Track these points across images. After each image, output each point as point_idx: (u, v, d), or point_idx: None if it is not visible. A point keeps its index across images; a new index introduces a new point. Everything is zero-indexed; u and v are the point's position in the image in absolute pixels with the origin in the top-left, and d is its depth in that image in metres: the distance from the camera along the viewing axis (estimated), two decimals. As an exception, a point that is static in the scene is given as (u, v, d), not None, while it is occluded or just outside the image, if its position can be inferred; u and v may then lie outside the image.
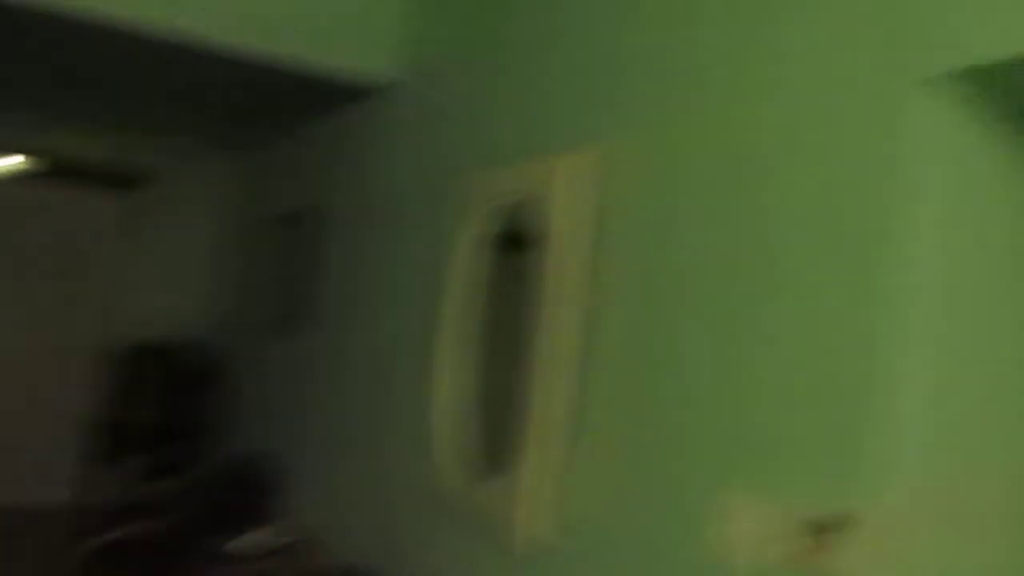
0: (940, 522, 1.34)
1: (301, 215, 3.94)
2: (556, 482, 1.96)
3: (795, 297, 1.46)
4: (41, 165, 4.95)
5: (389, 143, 3.24)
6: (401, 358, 2.84)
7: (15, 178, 4.98)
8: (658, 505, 1.67)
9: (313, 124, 4.04)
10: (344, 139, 3.70)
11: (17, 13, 2.80)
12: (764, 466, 1.47)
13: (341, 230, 3.55)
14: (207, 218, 5.41)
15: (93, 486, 5.02)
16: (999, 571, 1.43)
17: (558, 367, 1.97)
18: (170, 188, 5.32)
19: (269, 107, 3.86)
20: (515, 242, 2.24)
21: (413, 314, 2.80)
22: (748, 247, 1.57)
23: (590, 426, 1.90)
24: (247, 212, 5.06)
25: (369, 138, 3.44)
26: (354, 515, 3.02)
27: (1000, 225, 1.39)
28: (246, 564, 3.01)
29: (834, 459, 1.35)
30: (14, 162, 4.91)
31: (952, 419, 1.34)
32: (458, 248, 2.51)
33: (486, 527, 2.20)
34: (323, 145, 3.90)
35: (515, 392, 2.10)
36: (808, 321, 1.42)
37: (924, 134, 1.30)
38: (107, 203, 5.29)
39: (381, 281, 3.08)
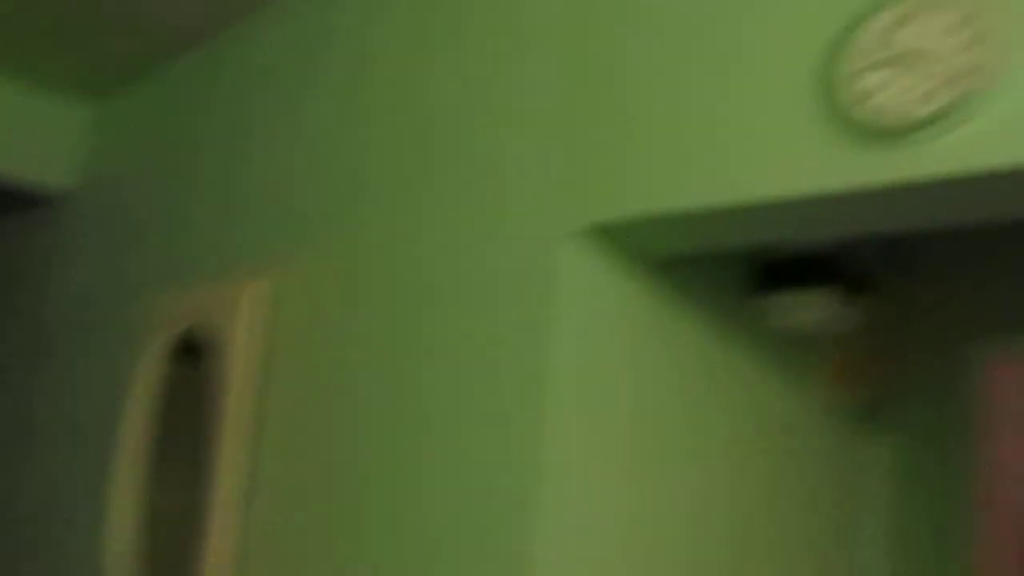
0: None
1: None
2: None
3: (446, 435, 1.55)
4: None
5: (67, 258, 3.05)
6: (80, 491, 2.62)
7: None
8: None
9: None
10: (16, 254, 3.41)
11: None
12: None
13: (13, 355, 3.25)
14: None
15: None
16: None
17: (226, 494, 1.91)
18: None
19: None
20: (194, 363, 2.17)
21: (92, 444, 2.61)
22: (406, 381, 1.62)
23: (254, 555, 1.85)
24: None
25: (43, 253, 3.20)
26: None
27: (641, 377, 1.57)
28: None
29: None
30: None
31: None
32: (138, 370, 2.39)
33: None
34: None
35: (190, 518, 2.01)
36: (456, 462, 1.53)
37: (571, 283, 1.45)
38: None
39: (58, 410, 2.85)
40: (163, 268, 2.54)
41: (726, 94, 1.35)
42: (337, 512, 1.74)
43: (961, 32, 1.12)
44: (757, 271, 1.94)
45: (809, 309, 1.91)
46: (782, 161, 1.26)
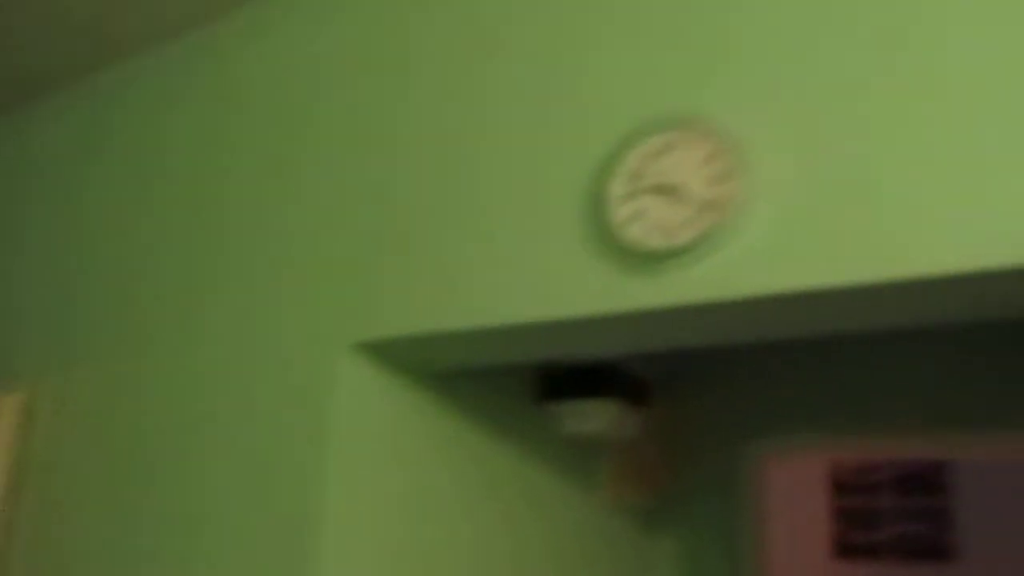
0: None
1: None
2: None
3: (223, 541, 1.51)
4: None
5: None
6: None
7: None
8: None
9: None
10: None
11: None
12: None
13: None
14: None
15: None
16: None
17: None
18: None
19: None
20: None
21: None
22: (183, 487, 1.59)
23: None
24: None
25: None
26: None
27: (420, 467, 1.58)
28: None
29: None
30: None
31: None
32: None
33: None
34: None
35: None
36: (234, 564, 1.47)
37: (346, 395, 1.46)
38: None
39: None
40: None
41: (497, 217, 1.37)
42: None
43: (710, 166, 1.18)
44: (540, 381, 1.97)
45: (591, 418, 1.94)
46: (550, 284, 1.28)
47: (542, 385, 1.98)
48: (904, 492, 4.62)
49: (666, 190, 1.21)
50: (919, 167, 1.05)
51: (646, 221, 1.21)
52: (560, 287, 1.28)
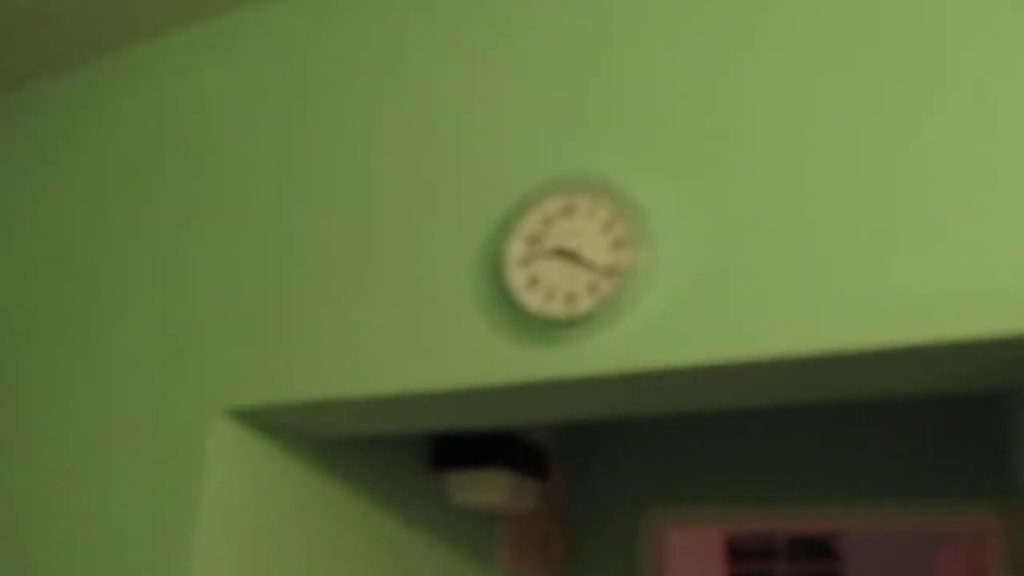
0: None
1: None
2: None
3: None
4: None
5: None
6: None
7: None
8: None
9: None
10: None
11: None
12: None
13: None
14: None
15: None
16: None
17: None
18: None
19: None
20: None
21: None
22: (55, 548, 1.43)
23: None
24: None
25: None
26: None
27: (298, 538, 1.50)
28: None
29: None
30: None
31: None
32: None
33: None
34: None
35: None
36: None
37: (221, 460, 1.37)
38: None
39: None
40: None
41: (385, 280, 1.29)
42: None
43: (611, 232, 1.13)
44: (432, 449, 1.89)
45: (484, 488, 1.86)
46: (442, 352, 1.21)
47: (434, 453, 1.89)
48: (798, 558, 4.66)
49: (566, 255, 1.15)
50: (825, 242, 1.02)
51: (545, 287, 1.15)
52: (452, 355, 1.20)
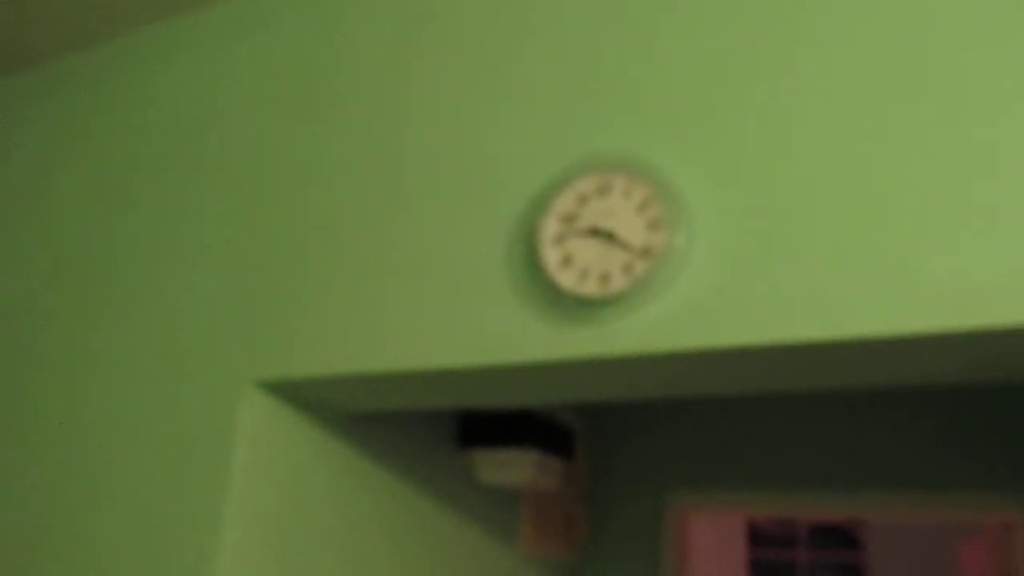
0: None
1: None
2: None
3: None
4: None
5: None
6: None
7: None
8: None
9: None
10: None
11: None
12: None
13: None
14: None
15: None
16: None
17: None
18: None
19: None
20: None
21: None
22: (71, 550, 1.45)
23: None
24: None
25: None
26: None
27: (327, 511, 1.50)
28: None
29: None
30: None
31: None
32: None
33: None
34: None
35: None
36: None
37: (250, 431, 1.38)
38: None
39: None
40: None
41: (419, 256, 1.29)
42: None
43: (647, 212, 1.12)
44: (459, 427, 1.89)
45: (510, 467, 1.86)
46: (473, 329, 1.21)
47: (460, 431, 1.90)
48: (820, 547, 4.64)
49: (601, 234, 1.14)
50: (861, 229, 1.01)
51: (579, 266, 1.14)
52: (483, 333, 1.20)
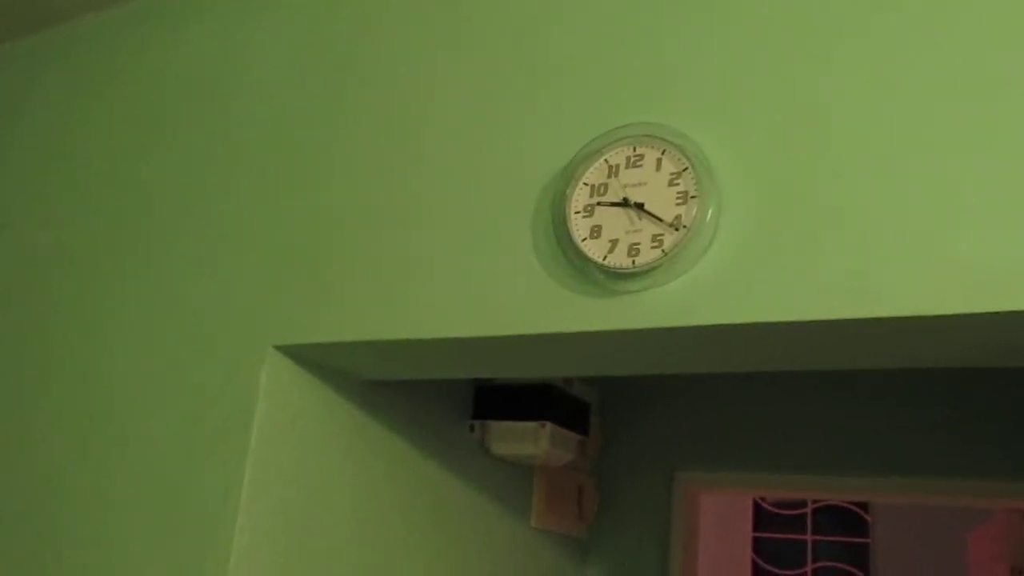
0: None
1: None
2: None
3: (143, 549, 1.38)
4: None
5: None
6: None
7: None
8: None
9: None
10: None
11: None
12: None
13: None
14: None
15: None
16: None
17: None
18: None
19: None
20: None
21: None
22: (86, 511, 1.45)
23: None
24: None
25: None
26: None
27: (342, 478, 1.50)
28: None
29: None
30: None
31: None
32: None
33: None
34: None
35: None
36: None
37: (275, 391, 1.37)
38: None
39: None
40: None
41: (442, 224, 1.28)
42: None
43: (678, 184, 1.10)
44: (474, 398, 1.89)
45: (524, 440, 1.86)
46: (498, 299, 1.19)
47: (475, 402, 1.89)
48: (825, 529, 4.65)
49: (631, 206, 1.13)
50: (895, 204, 0.99)
51: (607, 237, 1.13)
52: (509, 302, 1.19)
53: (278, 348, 1.37)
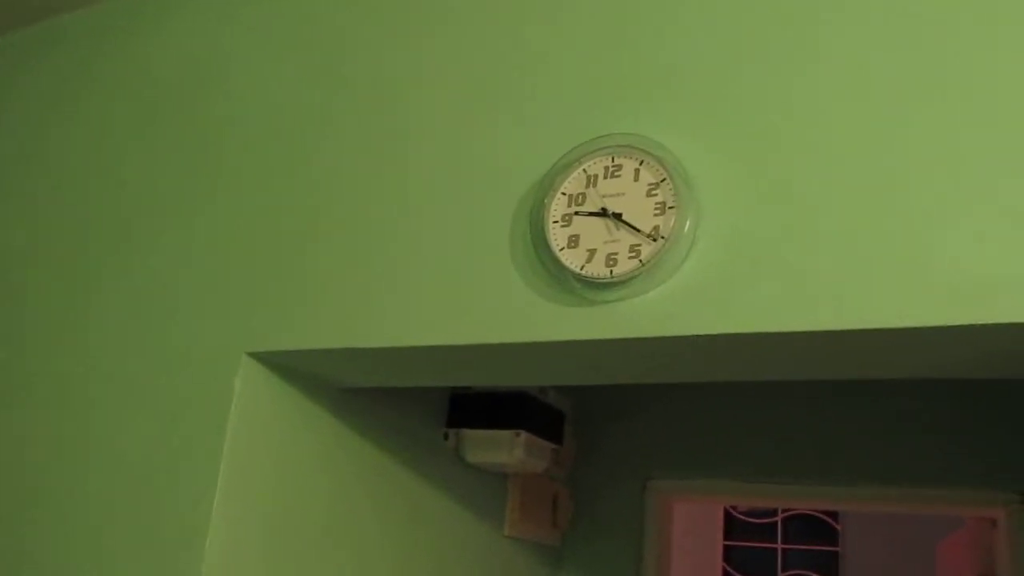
0: None
1: None
2: None
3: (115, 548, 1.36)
4: None
5: None
6: None
7: None
8: None
9: None
10: None
11: None
12: None
13: None
14: None
15: None
16: None
17: None
18: None
19: None
20: None
21: None
22: (59, 514, 1.43)
23: None
24: None
25: None
26: None
27: (316, 485, 1.49)
28: None
29: None
30: None
31: None
32: None
33: None
34: None
35: None
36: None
37: (249, 397, 1.36)
38: None
39: None
40: None
41: (419, 231, 1.27)
42: None
43: (656, 195, 1.11)
44: (449, 406, 1.88)
45: (499, 448, 1.85)
46: (473, 307, 1.19)
47: (450, 410, 1.88)
48: (796, 537, 4.68)
49: (609, 216, 1.13)
50: (877, 216, 1.00)
51: (585, 247, 1.13)
52: (486, 311, 1.18)
53: (252, 355, 1.35)
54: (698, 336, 1.05)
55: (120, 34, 1.78)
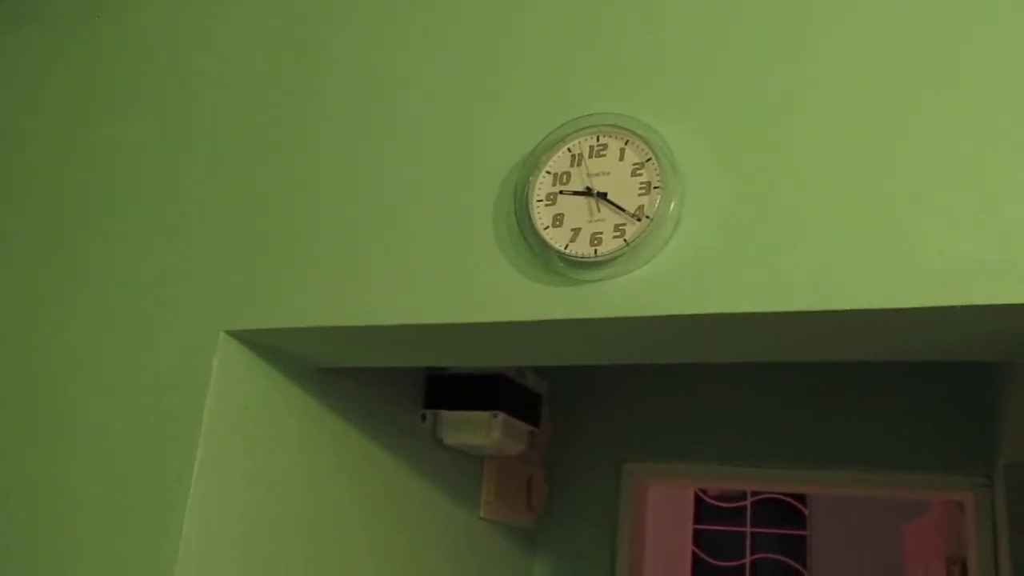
0: None
1: None
2: None
3: (93, 529, 1.34)
4: None
5: None
6: None
7: None
8: None
9: None
10: None
11: None
12: None
13: None
14: None
15: None
16: None
17: None
18: None
19: None
20: None
21: None
22: (35, 497, 1.41)
23: None
24: None
25: None
26: None
27: (293, 465, 1.48)
28: None
29: None
30: None
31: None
32: None
33: None
34: None
35: None
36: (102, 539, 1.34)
37: (227, 376, 1.35)
38: None
39: None
40: None
41: (401, 208, 1.26)
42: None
43: (641, 175, 1.11)
44: (425, 387, 1.88)
45: (476, 430, 1.85)
46: (457, 286, 1.18)
47: (427, 391, 1.88)
48: (764, 521, 4.73)
49: (594, 195, 1.13)
50: (860, 197, 1.00)
51: (569, 226, 1.13)
52: (470, 290, 1.18)
53: (231, 333, 1.34)
54: (682, 316, 1.06)
55: (95, 10, 1.74)
